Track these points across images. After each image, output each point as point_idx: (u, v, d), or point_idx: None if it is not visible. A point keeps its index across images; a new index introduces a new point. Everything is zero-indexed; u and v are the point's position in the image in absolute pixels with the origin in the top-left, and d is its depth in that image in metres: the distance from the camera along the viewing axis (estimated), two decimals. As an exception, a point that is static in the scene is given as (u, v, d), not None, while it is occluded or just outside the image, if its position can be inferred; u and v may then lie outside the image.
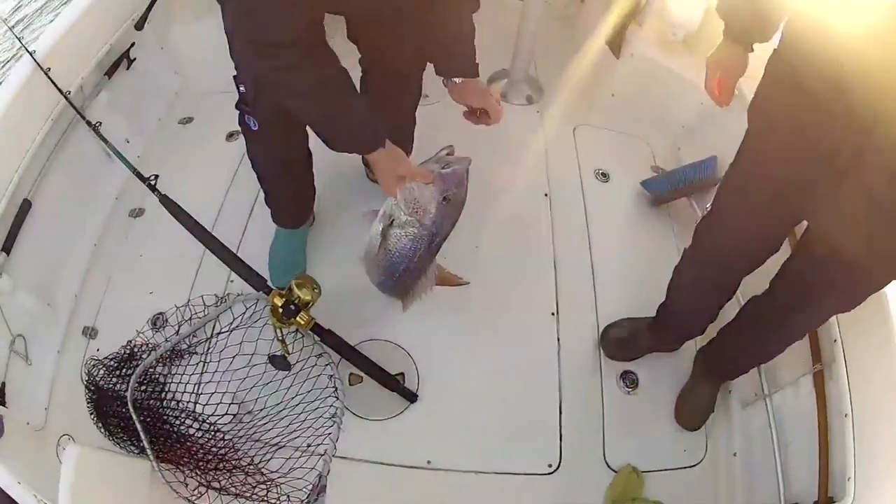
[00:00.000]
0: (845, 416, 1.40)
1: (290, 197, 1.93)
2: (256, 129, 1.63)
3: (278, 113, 1.54)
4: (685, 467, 1.77)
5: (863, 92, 1.00)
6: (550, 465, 1.70)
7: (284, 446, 1.57)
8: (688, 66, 2.29)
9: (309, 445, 1.56)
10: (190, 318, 1.83)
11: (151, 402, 1.68)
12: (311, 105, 1.37)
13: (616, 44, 2.43)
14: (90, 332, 1.90)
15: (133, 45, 2.17)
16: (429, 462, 1.68)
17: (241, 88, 1.57)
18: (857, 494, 1.28)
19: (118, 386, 1.70)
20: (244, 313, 1.77)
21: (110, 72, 2.09)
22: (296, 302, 1.55)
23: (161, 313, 1.89)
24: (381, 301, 1.78)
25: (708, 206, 1.57)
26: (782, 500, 1.53)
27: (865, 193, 1.07)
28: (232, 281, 1.95)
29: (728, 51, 1.39)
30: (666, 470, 1.74)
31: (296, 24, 1.22)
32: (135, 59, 2.18)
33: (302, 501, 1.44)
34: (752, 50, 1.38)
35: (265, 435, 1.61)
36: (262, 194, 2.07)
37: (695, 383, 1.86)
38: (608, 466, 1.73)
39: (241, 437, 1.62)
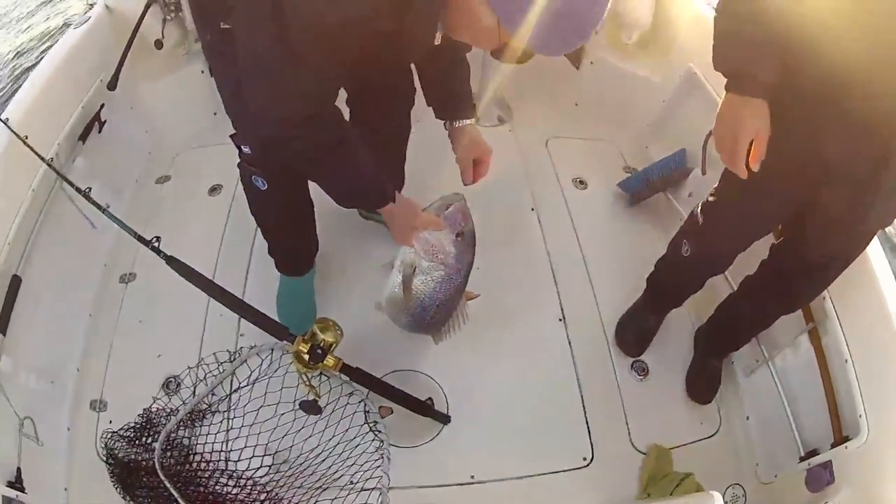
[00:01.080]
0: (845, 361, 1.63)
1: (297, 247, 2.01)
2: (265, 188, 1.70)
3: (287, 172, 1.64)
4: (705, 438, 1.97)
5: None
6: (585, 459, 1.86)
7: (329, 488, 1.68)
8: (644, 67, 2.57)
9: (352, 483, 1.68)
10: (205, 378, 1.91)
11: (179, 467, 1.74)
12: (324, 167, 1.46)
13: (575, 55, 2.68)
14: (99, 405, 1.93)
15: (102, 106, 2.23)
16: (472, 477, 1.80)
17: (245, 149, 1.64)
18: (871, 427, 1.50)
19: (141, 456, 1.76)
20: (260, 365, 1.88)
21: (83, 136, 2.13)
22: (321, 345, 1.64)
23: (173, 376, 1.95)
24: (397, 333, 1.87)
25: (693, 199, 1.75)
26: (801, 449, 1.73)
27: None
28: (242, 335, 2.02)
29: (752, 110, 1.31)
30: (688, 444, 1.94)
31: (322, 99, 1.32)
32: (105, 121, 2.23)
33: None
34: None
35: (307, 480, 1.71)
36: (257, 245, 2.20)
37: (700, 360, 2.08)
38: (636, 450, 1.90)
39: (281, 486, 1.71)
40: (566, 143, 2.78)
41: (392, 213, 1.58)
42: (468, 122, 1.73)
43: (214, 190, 2.45)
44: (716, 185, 1.72)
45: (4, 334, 1.72)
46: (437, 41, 1.30)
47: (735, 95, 1.33)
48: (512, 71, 2.66)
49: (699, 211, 1.80)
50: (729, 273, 2.03)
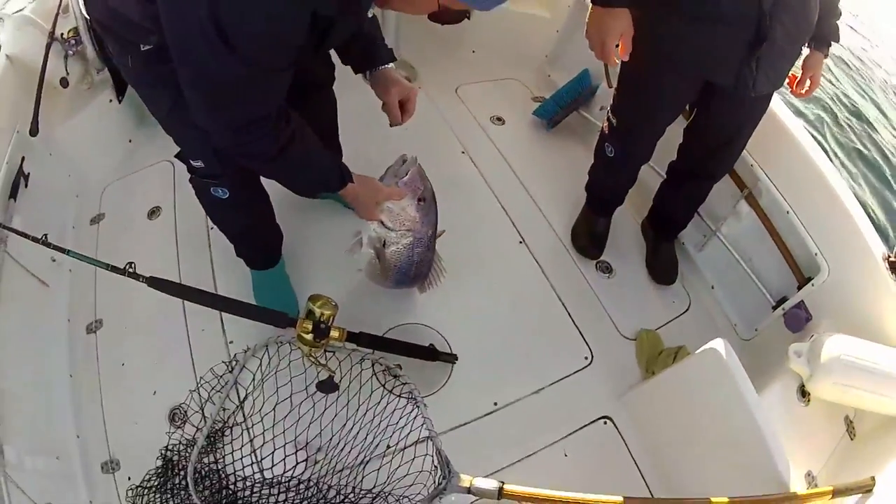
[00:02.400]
0: (787, 212, 1.65)
1: (266, 242, 1.81)
2: (227, 196, 1.51)
3: (245, 175, 1.49)
4: (681, 314, 1.97)
5: None
6: (587, 358, 1.82)
7: (370, 459, 1.51)
8: (531, 4, 2.45)
9: (390, 447, 1.50)
10: (209, 397, 1.65)
11: (218, 495, 1.50)
12: (285, 163, 1.28)
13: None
14: (111, 466, 1.63)
15: (23, 160, 1.86)
16: (496, 404, 1.71)
17: (198, 164, 1.44)
18: (829, 261, 1.53)
19: (175, 499, 1.50)
20: (260, 365, 1.64)
21: (13, 194, 1.78)
22: (321, 320, 1.49)
23: (177, 407, 1.67)
24: (379, 293, 1.79)
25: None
26: (771, 299, 1.76)
27: (778, 46, 1.38)
28: (231, 342, 1.78)
29: (615, 18, 1.40)
30: (669, 322, 1.94)
31: (277, 97, 1.15)
32: (29, 173, 1.87)
33: (437, 483, 1.37)
34: None
35: (348, 459, 1.52)
36: (215, 252, 1.96)
37: (653, 247, 2.06)
38: (626, 338, 1.88)
39: (324, 475, 1.52)
40: (474, 87, 2.66)
41: (356, 192, 1.43)
42: (389, 65, 1.57)
43: (154, 213, 2.13)
44: (616, 88, 1.72)
45: None
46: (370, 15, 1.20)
47: (599, 7, 1.41)
48: (408, 33, 2.53)
49: (611, 114, 1.78)
50: (655, 164, 2.00)
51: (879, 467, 1.25)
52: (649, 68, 1.52)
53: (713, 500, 1.10)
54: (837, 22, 1.53)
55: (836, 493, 1.16)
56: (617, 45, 1.45)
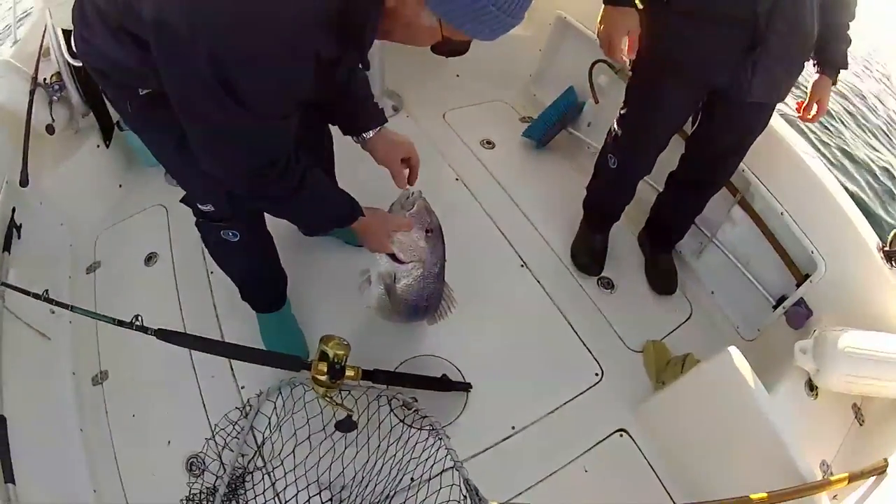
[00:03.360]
0: (781, 214, 1.75)
1: (272, 285, 1.84)
2: (237, 239, 1.54)
3: (254, 216, 1.53)
4: (684, 322, 2.05)
5: None
6: (597, 374, 1.88)
7: (395, 493, 1.56)
8: (513, 24, 2.57)
9: (413, 480, 1.57)
10: (226, 444, 1.69)
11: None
12: (298, 203, 1.31)
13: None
14: None
15: (14, 210, 1.87)
16: (513, 427, 1.76)
17: (207, 208, 1.47)
18: (826, 257, 1.63)
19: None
20: (274, 408, 1.70)
21: (7, 246, 1.78)
22: (336, 361, 1.52)
23: (194, 456, 1.68)
24: (388, 327, 1.83)
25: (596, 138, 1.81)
26: (771, 299, 1.84)
27: (774, 53, 1.47)
28: (243, 387, 1.80)
29: (623, 16, 1.52)
30: (673, 331, 2.01)
31: (287, 140, 1.18)
32: (21, 224, 1.87)
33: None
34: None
35: (373, 496, 1.56)
36: (217, 297, 2.00)
37: (652, 259, 2.15)
38: (634, 351, 1.95)
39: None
40: (461, 112, 2.74)
41: (368, 224, 1.47)
42: (381, 127, 1.59)
43: (150, 259, 2.14)
44: (623, 100, 1.80)
45: (14, 482, 1.41)
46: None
47: (611, 7, 1.55)
48: (392, 61, 2.61)
49: (616, 125, 1.85)
50: (652, 180, 2.09)
51: (891, 449, 1.34)
52: (654, 77, 1.61)
53: (752, 496, 1.15)
54: (847, 49, 1.60)
55: (852, 478, 1.24)
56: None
